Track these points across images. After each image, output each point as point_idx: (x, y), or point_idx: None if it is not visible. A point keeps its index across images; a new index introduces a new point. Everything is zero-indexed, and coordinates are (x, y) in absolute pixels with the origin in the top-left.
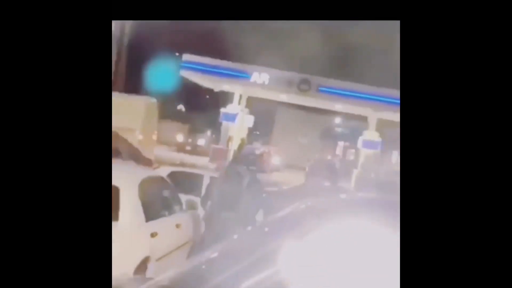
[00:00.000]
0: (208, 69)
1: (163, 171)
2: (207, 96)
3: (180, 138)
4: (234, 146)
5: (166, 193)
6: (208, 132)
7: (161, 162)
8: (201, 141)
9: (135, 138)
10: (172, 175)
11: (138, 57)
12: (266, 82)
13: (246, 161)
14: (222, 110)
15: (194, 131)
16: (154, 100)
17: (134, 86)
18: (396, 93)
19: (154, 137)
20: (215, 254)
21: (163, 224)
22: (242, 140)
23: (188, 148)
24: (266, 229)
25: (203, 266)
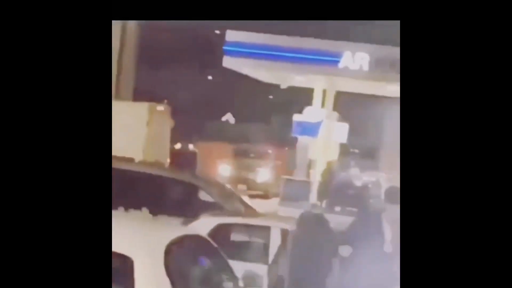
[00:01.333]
0: (267, 52)
1: (204, 225)
2: (270, 97)
3: (226, 169)
4: (318, 175)
5: (209, 262)
6: (273, 155)
7: None
8: (262, 172)
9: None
10: (218, 230)
11: (150, 59)
12: (365, 67)
13: (339, 200)
14: (296, 118)
15: (249, 155)
16: (161, 107)
17: (145, 94)
18: None
19: (166, 164)
20: None
21: None
22: (330, 164)
23: (241, 186)
24: None
25: None
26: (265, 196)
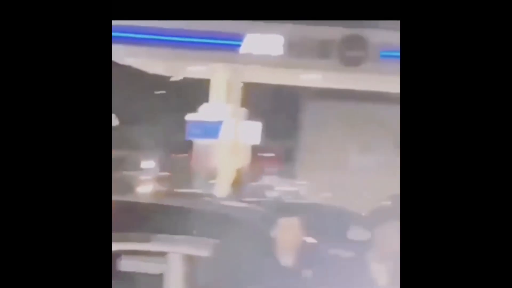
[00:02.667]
0: (153, 37)
1: None
2: (159, 92)
3: None
4: (224, 187)
5: None
6: (159, 165)
7: None
8: (142, 188)
9: None
10: None
11: None
12: (278, 52)
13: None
14: (189, 117)
15: (127, 167)
16: None
17: None
18: None
19: None
20: None
21: None
22: (239, 172)
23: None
24: None
25: None
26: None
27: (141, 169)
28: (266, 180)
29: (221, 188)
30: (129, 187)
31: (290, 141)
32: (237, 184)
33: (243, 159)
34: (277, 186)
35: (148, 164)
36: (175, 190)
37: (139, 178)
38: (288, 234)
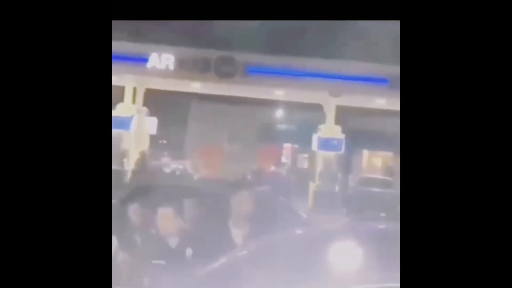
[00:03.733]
0: None
1: None
2: None
3: None
4: (132, 164)
5: None
6: None
7: None
8: None
9: None
10: None
11: None
12: (171, 67)
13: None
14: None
15: None
16: None
17: None
18: (362, 66)
19: None
20: None
21: None
22: (142, 153)
23: None
24: None
25: None
26: None
27: None
28: (163, 159)
29: (130, 164)
30: None
31: (180, 132)
32: (140, 162)
33: (145, 144)
34: (171, 164)
35: None
36: None
37: None
38: (165, 221)
